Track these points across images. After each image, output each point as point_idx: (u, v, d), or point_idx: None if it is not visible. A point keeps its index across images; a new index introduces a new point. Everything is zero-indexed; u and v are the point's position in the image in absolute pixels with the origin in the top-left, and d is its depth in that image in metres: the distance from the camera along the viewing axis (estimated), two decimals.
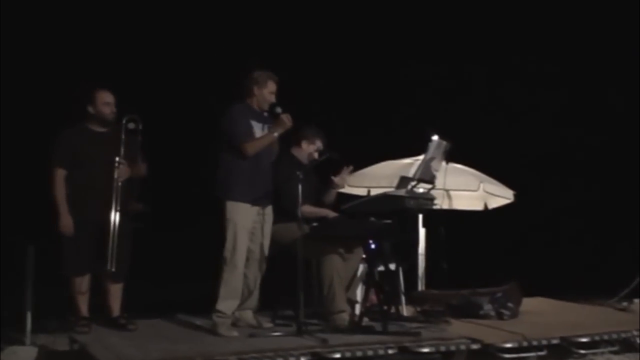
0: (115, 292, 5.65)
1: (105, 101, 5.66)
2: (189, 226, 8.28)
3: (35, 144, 6.46)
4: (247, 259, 5.62)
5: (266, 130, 5.64)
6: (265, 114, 5.71)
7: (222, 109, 5.64)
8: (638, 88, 9.37)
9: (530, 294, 7.03)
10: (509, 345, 5.36)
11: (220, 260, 5.50)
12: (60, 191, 5.52)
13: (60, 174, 5.53)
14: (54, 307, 5.93)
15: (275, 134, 5.56)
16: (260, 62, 5.94)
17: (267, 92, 5.67)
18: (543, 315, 6.55)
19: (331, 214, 5.98)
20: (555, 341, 5.53)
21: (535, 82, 9.83)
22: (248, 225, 5.56)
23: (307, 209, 5.76)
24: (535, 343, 5.44)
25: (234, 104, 5.68)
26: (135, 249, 5.71)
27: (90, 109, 5.65)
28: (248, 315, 5.75)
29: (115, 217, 5.48)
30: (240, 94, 5.75)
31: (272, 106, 5.60)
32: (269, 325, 5.75)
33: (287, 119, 5.52)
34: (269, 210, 5.72)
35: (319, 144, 6.17)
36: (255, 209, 5.60)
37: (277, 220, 5.79)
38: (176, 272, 8.05)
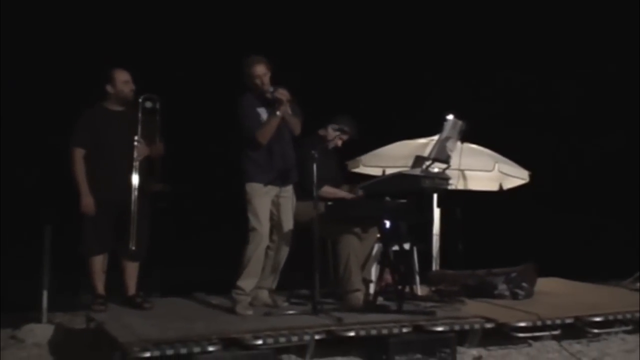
0: (132, 271, 5.69)
1: (124, 79, 5.67)
2: (212, 209, 8.31)
3: (54, 125, 6.49)
4: (273, 240, 5.66)
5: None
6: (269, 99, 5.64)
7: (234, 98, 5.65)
8: None
9: (545, 274, 7.02)
10: (523, 324, 5.37)
11: (244, 239, 5.54)
12: (81, 171, 5.54)
13: (79, 153, 5.56)
14: (71, 286, 5.99)
15: (278, 113, 5.52)
16: (273, 48, 5.91)
17: (257, 76, 5.58)
18: (557, 295, 6.55)
19: (349, 196, 5.98)
20: (569, 321, 5.54)
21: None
22: (267, 205, 5.60)
23: (326, 189, 5.80)
24: (549, 322, 5.46)
25: (241, 95, 5.67)
26: (154, 229, 5.74)
27: (109, 88, 5.67)
28: (264, 295, 5.78)
29: (134, 196, 5.51)
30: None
31: (266, 91, 5.57)
32: (285, 304, 5.79)
33: (282, 94, 5.50)
34: (288, 190, 5.72)
35: (346, 135, 6.15)
36: (274, 189, 5.63)
37: (298, 197, 5.81)
38: (197, 254, 8.10)
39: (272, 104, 5.59)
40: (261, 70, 5.59)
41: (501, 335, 5.38)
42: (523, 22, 9.36)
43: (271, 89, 5.54)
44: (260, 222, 5.53)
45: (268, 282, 5.79)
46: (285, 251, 5.75)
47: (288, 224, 5.70)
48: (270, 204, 5.63)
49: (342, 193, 6.02)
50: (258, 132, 5.54)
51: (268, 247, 5.64)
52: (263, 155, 5.59)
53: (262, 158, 5.59)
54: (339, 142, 6.17)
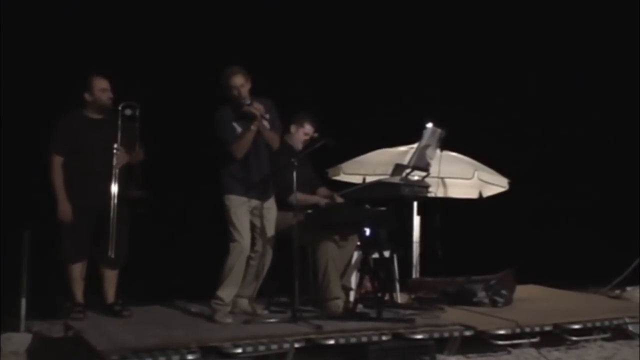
0: (111, 279, 5.66)
1: (102, 87, 5.66)
2: (188, 215, 8.28)
3: (33, 131, 6.45)
4: (255, 250, 5.66)
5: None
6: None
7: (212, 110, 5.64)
8: None
9: (524, 281, 7.07)
10: (502, 332, 5.42)
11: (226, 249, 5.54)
12: (59, 178, 5.52)
13: (57, 160, 5.54)
14: (49, 294, 5.94)
15: (253, 127, 5.49)
16: (254, 53, 5.90)
17: (233, 87, 5.51)
18: (536, 302, 6.60)
19: (322, 201, 5.97)
20: (548, 328, 5.59)
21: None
22: (247, 216, 5.60)
23: (299, 197, 5.65)
24: (528, 330, 5.50)
25: (219, 109, 5.63)
26: (134, 236, 5.72)
27: (87, 96, 5.65)
28: (244, 303, 5.77)
29: (113, 203, 5.49)
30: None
31: (240, 102, 5.52)
32: (264, 312, 5.78)
33: (255, 107, 5.48)
34: (270, 203, 5.73)
35: (308, 127, 6.13)
36: (252, 202, 5.63)
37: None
38: (174, 259, 8.06)
39: (248, 117, 5.54)
40: (239, 81, 5.53)
41: (480, 342, 5.41)
42: (502, 25, 9.42)
43: (248, 102, 5.50)
44: (241, 234, 5.53)
45: (249, 290, 5.78)
46: (268, 261, 5.75)
47: (271, 234, 5.70)
48: (249, 215, 5.63)
49: (314, 199, 6.00)
50: (233, 145, 5.52)
51: (250, 257, 5.64)
52: (240, 168, 5.59)
53: (239, 171, 5.59)
54: (307, 139, 6.12)
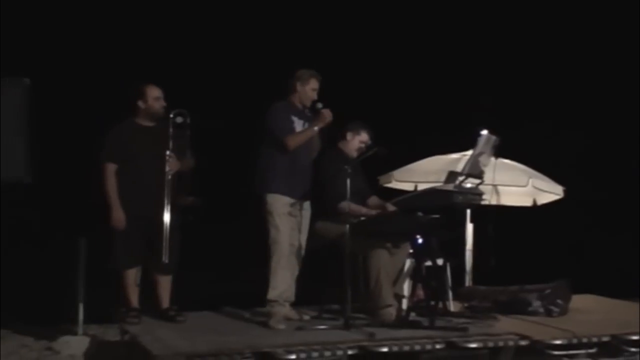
0: (165, 285, 5.72)
1: (156, 96, 5.74)
2: (237, 219, 8.35)
3: (87, 140, 6.58)
4: (291, 244, 5.69)
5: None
6: (307, 111, 5.81)
7: (266, 105, 5.74)
8: None
9: (579, 291, 6.94)
10: (558, 342, 5.30)
11: (267, 252, 5.58)
12: (112, 186, 5.60)
13: (110, 168, 5.62)
14: (105, 299, 6.04)
15: (316, 128, 5.65)
16: (308, 60, 5.99)
17: (309, 88, 5.76)
18: (593, 312, 6.45)
19: (370, 212, 5.92)
20: (605, 339, 5.46)
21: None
22: (287, 216, 5.64)
23: (351, 207, 5.53)
24: (585, 340, 5.37)
25: (276, 101, 5.79)
26: (185, 242, 5.77)
27: (141, 104, 5.73)
28: (287, 309, 5.77)
29: (166, 210, 5.55)
30: (283, 92, 5.85)
31: (314, 102, 5.72)
32: (307, 317, 5.77)
33: (327, 114, 5.63)
34: (307, 205, 5.80)
35: (364, 135, 6.14)
36: (294, 202, 5.67)
37: (321, 215, 5.84)
38: (225, 265, 8.13)
39: (308, 119, 5.71)
40: (316, 85, 5.76)
41: (535, 353, 5.30)
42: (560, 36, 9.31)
43: (320, 105, 5.65)
44: (281, 233, 5.57)
45: (289, 295, 5.79)
46: (299, 265, 5.77)
47: (305, 234, 5.76)
48: (290, 215, 5.67)
49: (363, 210, 5.92)
50: (290, 136, 5.61)
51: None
52: (287, 165, 5.64)
53: (284, 168, 5.63)
54: (362, 146, 6.13)
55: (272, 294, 5.55)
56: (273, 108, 5.72)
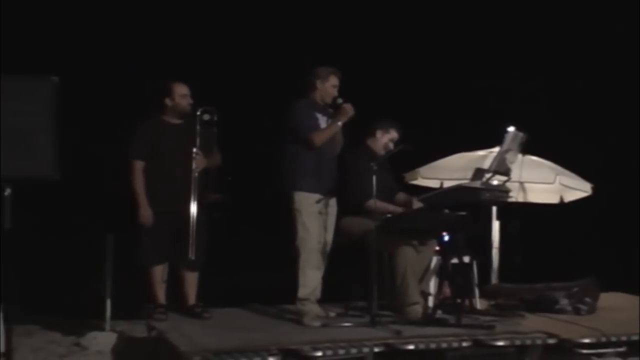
0: (192, 281, 5.75)
1: (183, 93, 5.76)
2: (265, 218, 8.38)
3: (115, 137, 6.63)
4: (318, 241, 5.68)
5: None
6: (329, 108, 5.79)
7: (288, 103, 5.75)
8: None
9: (608, 289, 6.87)
10: (586, 340, 5.25)
11: (295, 251, 5.58)
12: (139, 183, 5.63)
13: (138, 166, 5.65)
14: (133, 295, 6.08)
15: (339, 123, 5.63)
16: (331, 58, 6.01)
17: (329, 85, 5.75)
18: (621, 311, 6.39)
19: (397, 210, 5.92)
20: (635, 337, 5.40)
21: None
22: (315, 213, 5.63)
23: (377, 205, 5.56)
24: (614, 339, 5.32)
25: (298, 99, 5.78)
26: (212, 239, 5.79)
27: (168, 102, 5.76)
28: (314, 305, 5.77)
29: (193, 207, 5.56)
30: (303, 90, 5.85)
31: (335, 98, 5.71)
32: (333, 314, 5.76)
33: (349, 108, 5.61)
34: (332, 202, 5.78)
35: (394, 133, 6.14)
36: (322, 198, 5.66)
37: (346, 212, 5.83)
38: (251, 262, 8.17)
39: (330, 115, 5.70)
40: (336, 81, 5.75)
41: (563, 351, 5.26)
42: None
43: (341, 100, 5.65)
44: (309, 231, 5.56)
45: (317, 292, 5.79)
46: (324, 262, 5.75)
47: (331, 230, 5.74)
48: (319, 213, 5.66)
49: (390, 207, 5.93)
50: (315, 133, 5.61)
51: None
52: (313, 162, 5.63)
53: (311, 165, 5.63)
54: (391, 145, 6.14)
55: (303, 292, 5.55)
56: (296, 106, 5.72)
